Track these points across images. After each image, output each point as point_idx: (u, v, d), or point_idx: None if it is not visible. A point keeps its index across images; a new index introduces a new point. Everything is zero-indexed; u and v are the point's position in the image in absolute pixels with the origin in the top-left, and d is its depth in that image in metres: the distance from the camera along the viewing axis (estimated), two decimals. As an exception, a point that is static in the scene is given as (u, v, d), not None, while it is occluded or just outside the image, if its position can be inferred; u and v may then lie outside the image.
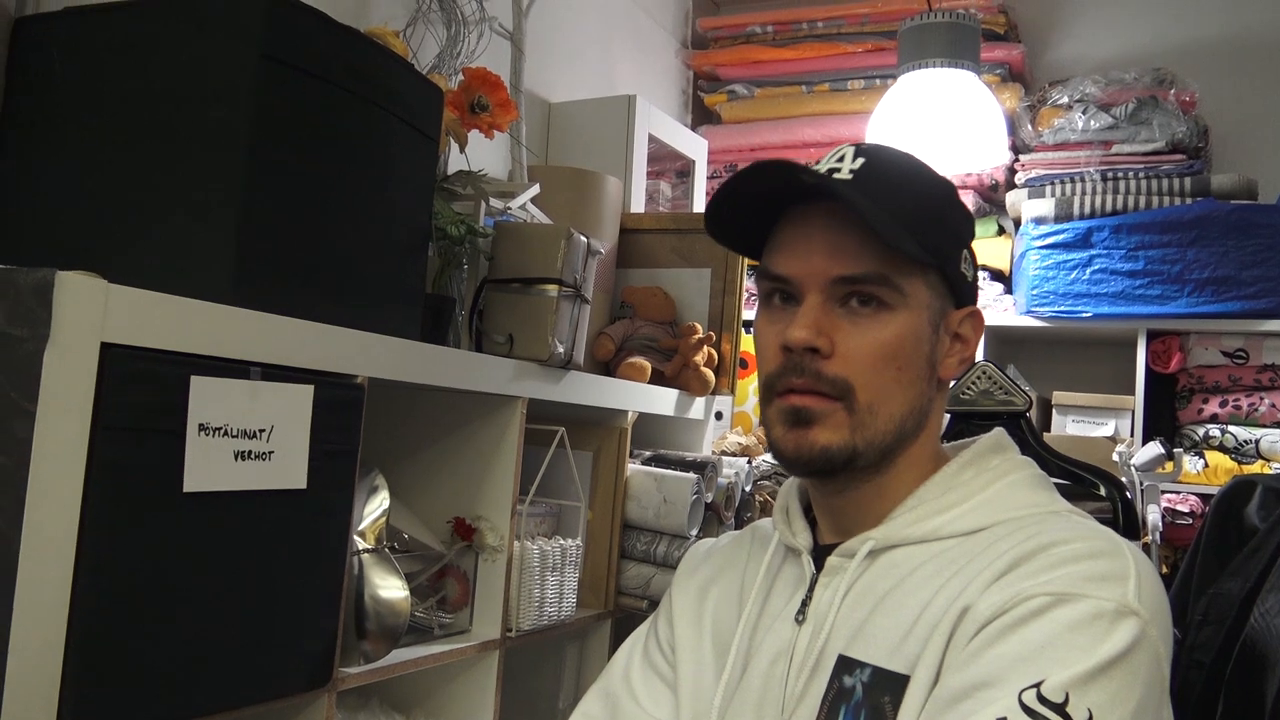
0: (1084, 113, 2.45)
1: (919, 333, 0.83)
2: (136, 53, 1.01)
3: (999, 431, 0.89)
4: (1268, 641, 1.08)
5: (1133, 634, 0.68)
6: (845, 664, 0.78)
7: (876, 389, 0.81)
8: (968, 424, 1.55)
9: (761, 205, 0.86)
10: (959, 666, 0.70)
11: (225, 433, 0.92)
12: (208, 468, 0.90)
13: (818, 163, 0.86)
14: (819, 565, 0.85)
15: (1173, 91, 2.41)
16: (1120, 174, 2.41)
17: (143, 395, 0.85)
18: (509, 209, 1.54)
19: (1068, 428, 2.40)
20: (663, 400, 1.75)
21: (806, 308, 0.82)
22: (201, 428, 0.89)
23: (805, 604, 0.84)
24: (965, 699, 0.68)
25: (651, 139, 2.23)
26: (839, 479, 0.84)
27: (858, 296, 0.82)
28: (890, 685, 0.74)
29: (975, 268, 0.90)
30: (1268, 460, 2.25)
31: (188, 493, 0.88)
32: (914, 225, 0.80)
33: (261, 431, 0.95)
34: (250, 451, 0.94)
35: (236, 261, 0.96)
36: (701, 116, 2.91)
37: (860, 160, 0.83)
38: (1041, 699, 0.66)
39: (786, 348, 0.81)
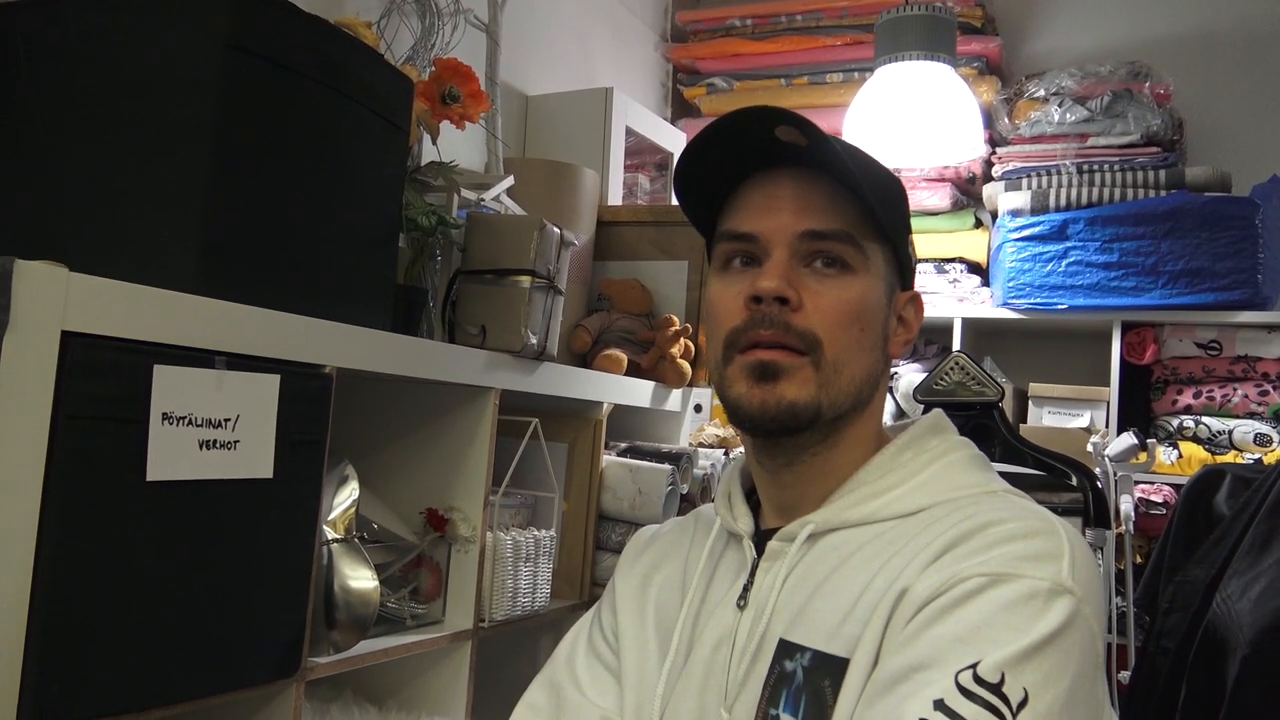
0: (1060, 106, 2.46)
1: (878, 299, 0.84)
2: (102, 43, 1.00)
3: (937, 413, 0.89)
4: (1228, 626, 1.10)
5: (1067, 612, 0.69)
6: (786, 648, 0.78)
7: (842, 347, 0.81)
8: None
9: (724, 171, 0.86)
10: (897, 649, 0.71)
11: (189, 422, 0.92)
12: (171, 457, 0.90)
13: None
14: (760, 550, 0.85)
15: (1148, 84, 2.43)
16: (1096, 166, 2.43)
17: (104, 384, 0.85)
18: (483, 201, 1.54)
19: (1044, 419, 2.42)
20: (639, 392, 1.75)
21: (774, 261, 0.81)
22: (165, 417, 0.89)
23: (747, 589, 0.84)
24: (903, 681, 0.68)
25: (629, 132, 2.23)
26: (794, 444, 0.83)
27: (823, 257, 0.82)
28: (830, 669, 0.74)
29: (915, 258, 0.92)
30: (1241, 451, 2.27)
31: (151, 481, 0.88)
32: (873, 196, 0.80)
33: (227, 421, 0.95)
34: (215, 441, 0.94)
35: (202, 251, 0.96)
36: (681, 110, 2.91)
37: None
38: (978, 679, 0.66)
39: (755, 299, 0.81)
